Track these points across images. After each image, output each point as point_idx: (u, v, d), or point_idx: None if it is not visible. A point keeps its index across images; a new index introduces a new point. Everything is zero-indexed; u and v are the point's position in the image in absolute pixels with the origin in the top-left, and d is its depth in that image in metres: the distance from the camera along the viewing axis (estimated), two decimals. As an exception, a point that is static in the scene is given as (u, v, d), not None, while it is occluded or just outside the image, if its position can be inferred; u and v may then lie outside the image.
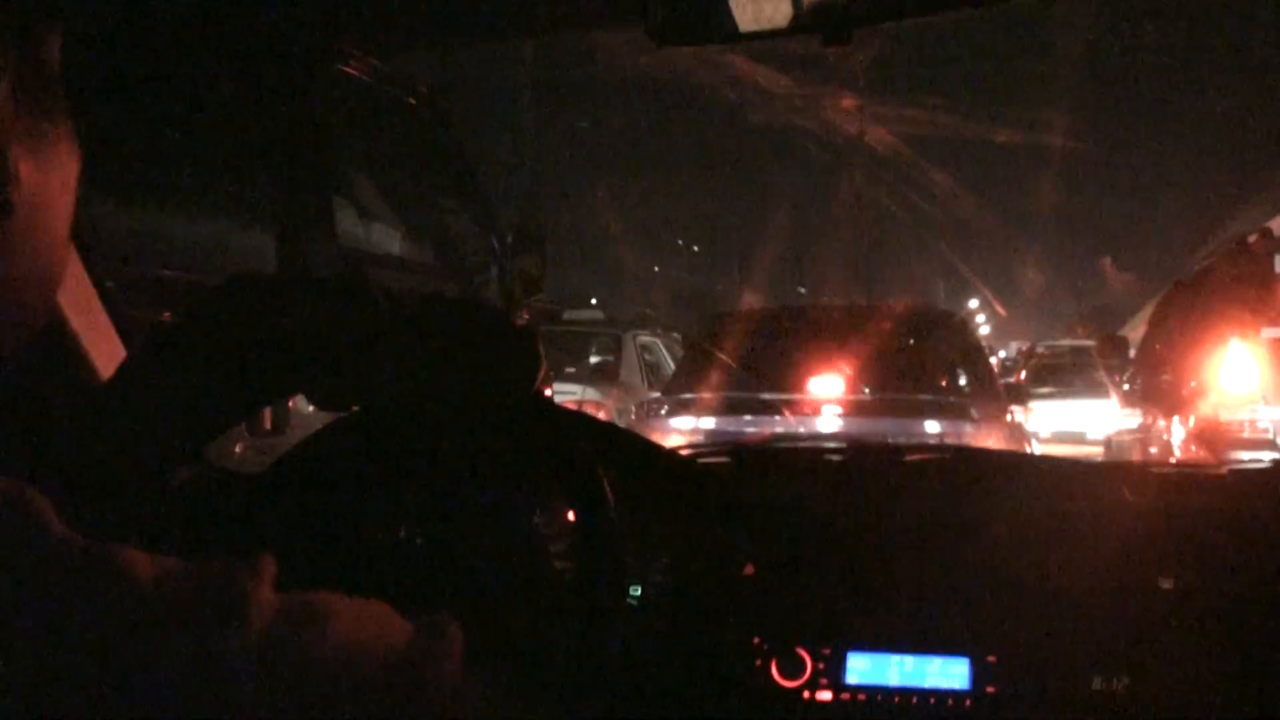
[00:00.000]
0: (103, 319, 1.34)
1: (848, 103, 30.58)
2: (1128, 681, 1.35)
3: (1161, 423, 6.99)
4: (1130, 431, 8.14)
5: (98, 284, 1.36)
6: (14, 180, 0.56)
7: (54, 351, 1.26)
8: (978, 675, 1.39)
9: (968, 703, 1.38)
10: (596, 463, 1.13)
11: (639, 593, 1.51)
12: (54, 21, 0.60)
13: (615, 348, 11.04)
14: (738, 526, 1.51)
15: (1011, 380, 11.14)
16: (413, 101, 4.78)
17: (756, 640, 1.44)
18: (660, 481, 1.45)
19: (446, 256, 4.89)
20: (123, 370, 1.04)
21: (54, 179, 0.60)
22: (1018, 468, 2.06)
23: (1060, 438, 11.93)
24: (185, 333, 1.00)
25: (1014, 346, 27.33)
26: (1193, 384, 6.43)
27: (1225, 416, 5.81)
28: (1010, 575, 1.44)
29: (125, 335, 1.36)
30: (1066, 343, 20.27)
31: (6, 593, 0.49)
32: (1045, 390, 13.50)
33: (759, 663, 1.43)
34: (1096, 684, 1.36)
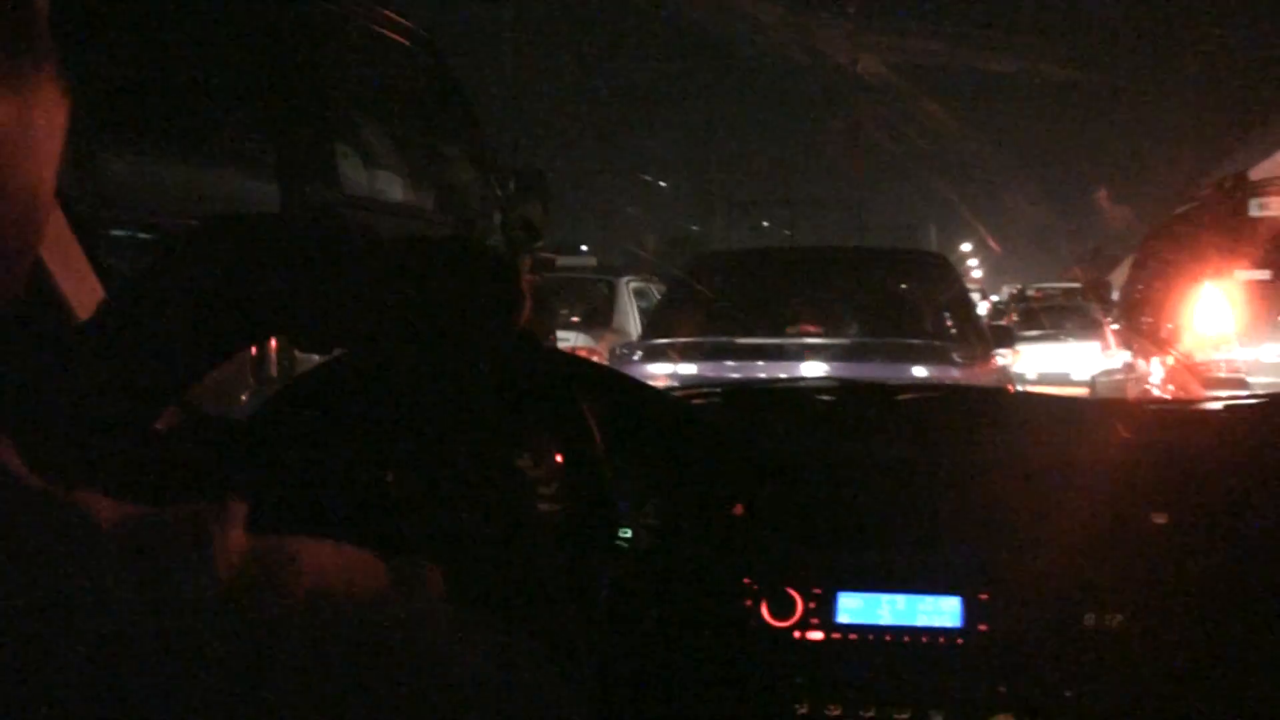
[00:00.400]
0: (81, 261, 1.31)
1: (840, 32, 29.99)
2: (1121, 618, 1.34)
3: (1142, 363, 7.11)
4: (1113, 372, 8.16)
5: (76, 227, 1.33)
6: None
7: (30, 294, 1.22)
8: (969, 613, 1.37)
9: (959, 640, 1.37)
10: (584, 403, 1.10)
11: (629, 534, 1.50)
12: None
13: (609, 294, 11.05)
14: (728, 467, 1.49)
15: (1003, 323, 11.34)
16: (413, 45, 4.76)
17: (747, 581, 1.42)
18: (650, 422, 1.43)
19: (447, 203, 4.85)
20: (100, 313, 1.01)
21: (37, 123, 0.57)
22: (1011, 406, 2.04)
23: (1046, 379, 11.98)
24: (162, 275, 0.97)
25: (1006, 291, 27.33)
26: (1169, 326, 6.57)
27: (1200, 357, 5.91)
28: (1002, 512, 1.43)
29: (106, 279, 1.33)
30: (1057, 285, 20.37)
31: None
32: (1034, 333, 13.58)
33: (749, 603, 1.41)
34: (1089, 620, 1.34)
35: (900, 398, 1.90)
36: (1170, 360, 6.32)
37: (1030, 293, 20.26)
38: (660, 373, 5.16)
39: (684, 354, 5.39)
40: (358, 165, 4.30)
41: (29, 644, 0.47)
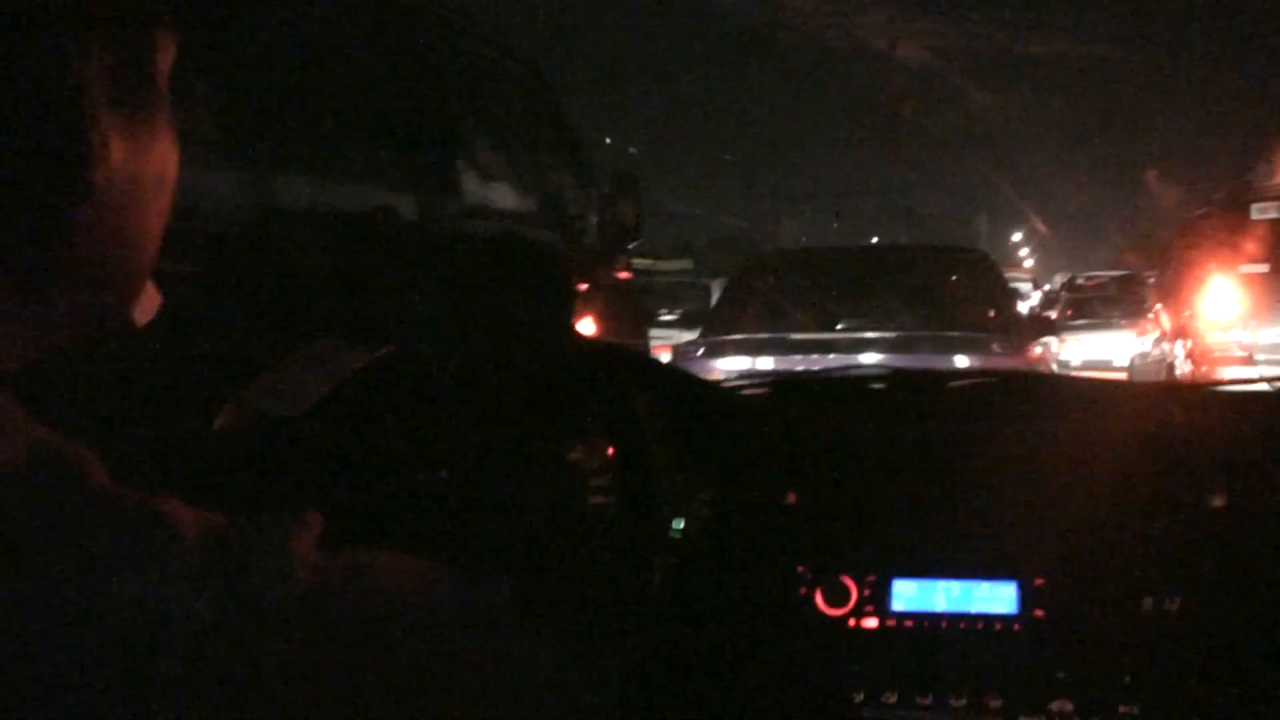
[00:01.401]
0: None
1: (877, 17, 29.53)
2: (1180, 602, 1.30)
3: (1167, 346, 8.40)
4: (1147, 355, 9.39)
5: None
6: (104, 163, 0.55)
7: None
8: (1025, 599, 1.35)
9: (1016, 627, 1.34)
10: (634, 395, 1.09)
11: (682, 525, 1.48)
12: (166, 24, 0.60)
13: (704, 294, 12.09)
14: (780, 456, 1.47)
15: (1049, 314, 11.86)
16: (517, 66, 5.25)
17: (801, 569, 1.40)
18: (702, 413, 1.41)
19: (550, 208, 5.19)
20: (160, 316, 1.02)
21: (149, 171, 0.59)
22: (1063, 390, 2.00)
23: (1090, 365, 12.42)
24: (218, 276, 0.97)
25: (1058, 279, 27.00)
26: (1187, 313, 7.69)
27: (1211, 339, 7.11)
28: (1057, 497, 1.40)
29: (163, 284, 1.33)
30: (1106, 273, 20.32)
31: (53, 549, 0.48)
32: (1080, 321, 14.08)
33: (804, 592, 1.39)
34: (1148, 605, 1.31)
35: (952, 384, 1.87)
36: (1190, 343, 7.45)
37: (1080, 281, 20.15)
38: (720, 368, 5.32)
39: (742, 349, 5.64)
40: (477, 178, 4.69)
41: (109, 652, 0.47)
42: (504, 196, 4.90)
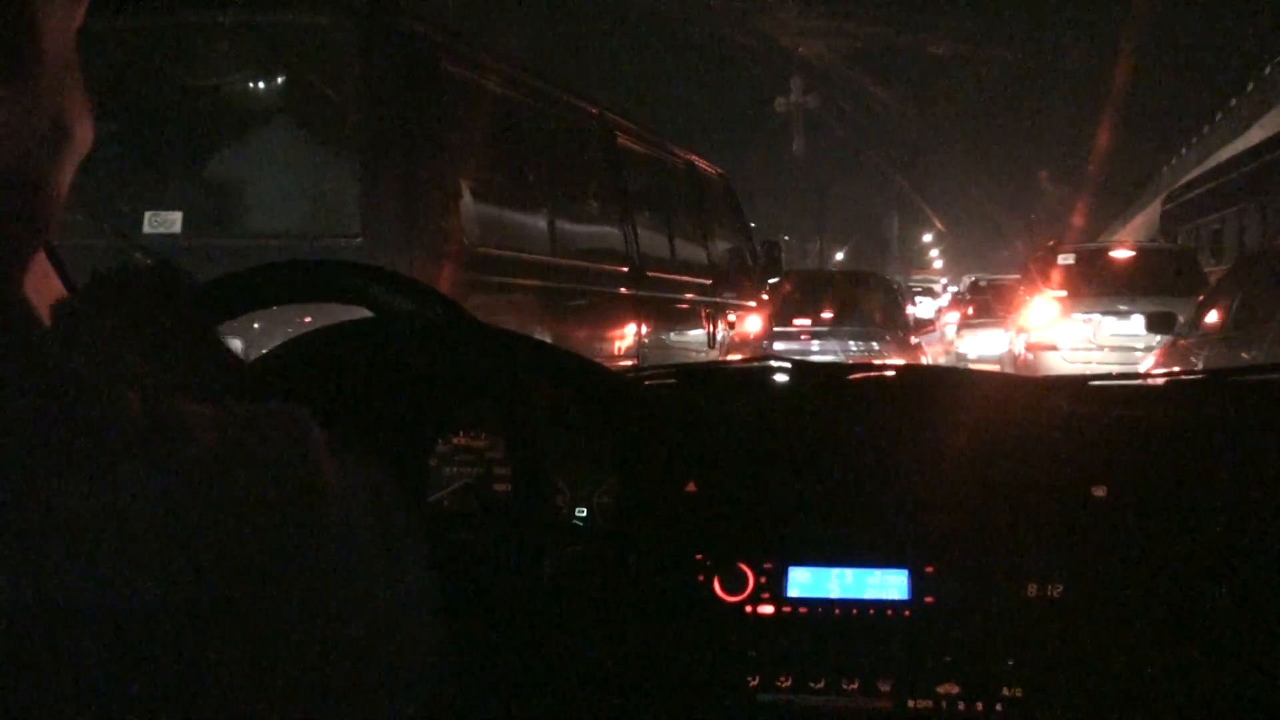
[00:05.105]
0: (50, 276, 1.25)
1: (782, 16, 29.72)
2: (1062, 589, 1.32)
3: (1016, 340, 12.60)
4: (1008, 345, 13.38)
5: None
6: None
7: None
8: (916, 586, 1.35)
9: (907, 612, 1.34)
10: (526, 382, 1.05)
11: (584, 514, 1.46)
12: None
13: None
14: (680, 444, 1.45)
15: (958, 314, 16.66)
16: (718, 177, 8.87)
17: (699, 556, 1.38)
18: (603, 401, 1.39)
19: (733, 261, 8.54)
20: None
21: (37, 124, 0.57)
22: (956, 382, 2.01)
23: (983, 359, 15.78)
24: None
25: (965, 281, 27.67)
26: (1022, 319, 12.18)
27: (1034, 336, 11.32)
28: (948, 487, 1.40)
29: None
30: (1002, 277, 21.63)
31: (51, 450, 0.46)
32: (980, 320, 17.31)
33: (701, 578, 1.37)
34: (1032, 591, 1.32)
35: (851, 377, 1.87)
36: (1024, 337, 11.79)
37: (981, 284, 21.26)
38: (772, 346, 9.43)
39: (776, 336, 9.90)
40: (714, 246, 8.15)
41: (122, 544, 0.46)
42: (721, 256, 8.26)
